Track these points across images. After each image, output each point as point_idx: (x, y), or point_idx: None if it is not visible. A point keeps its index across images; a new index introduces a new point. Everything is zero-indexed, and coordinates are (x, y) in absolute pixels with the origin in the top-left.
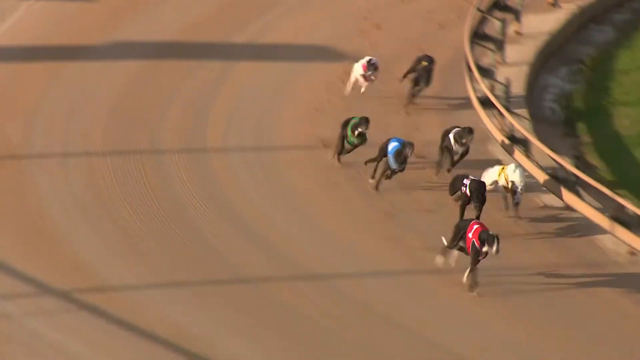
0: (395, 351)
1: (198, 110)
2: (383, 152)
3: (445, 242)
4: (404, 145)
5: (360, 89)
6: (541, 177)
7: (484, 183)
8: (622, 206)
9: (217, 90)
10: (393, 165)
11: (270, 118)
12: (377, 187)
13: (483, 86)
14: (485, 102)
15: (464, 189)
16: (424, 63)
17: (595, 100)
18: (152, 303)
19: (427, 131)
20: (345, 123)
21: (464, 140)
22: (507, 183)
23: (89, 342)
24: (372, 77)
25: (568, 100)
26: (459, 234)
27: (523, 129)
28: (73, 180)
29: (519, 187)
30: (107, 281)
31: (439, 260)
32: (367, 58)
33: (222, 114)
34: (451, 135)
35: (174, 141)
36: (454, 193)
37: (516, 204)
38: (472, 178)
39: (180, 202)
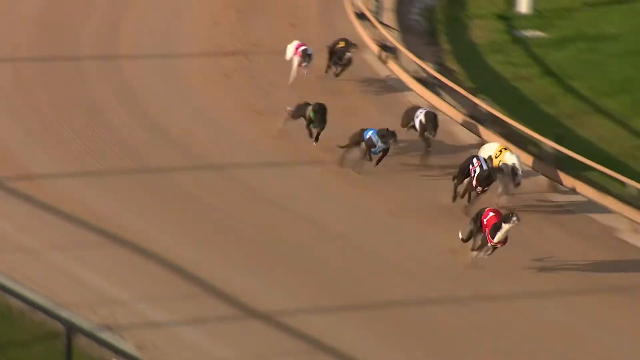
0: (287, 231)
1: (112, 23)
2: (358, 140)
3: (461, 236)
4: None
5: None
6: (408, 79)
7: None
8: (476, 104)
9: (129, 4)
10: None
11: (176, 30)
12: (341, 164)
13: (359, 2)
14: (361, 16)
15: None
16: (341, 44)
17: (454, 14)
18: (72, 190)
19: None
20: (303, 109)
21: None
22: (503, 162)
23: (15, 223)
24: (306, 66)
25: (431, 13)
26: (477, 223)
27: (393, 39)
28: (3, 84)
29: (519, 170)
30: (33, 170)
31: (473, 254)
32: (302, 47)
33: (134, 25)
34: None
35: (92, 49)
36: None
37: (518, 184)
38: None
39: (97, 103)
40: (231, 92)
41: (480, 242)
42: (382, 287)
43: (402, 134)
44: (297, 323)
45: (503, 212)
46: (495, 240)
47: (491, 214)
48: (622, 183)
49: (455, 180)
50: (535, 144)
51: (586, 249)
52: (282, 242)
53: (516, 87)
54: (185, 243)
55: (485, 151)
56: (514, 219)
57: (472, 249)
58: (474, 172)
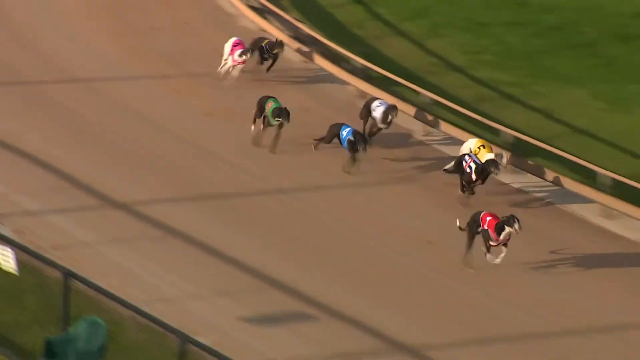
0: (146, 137)
1: None
2: (334, 135)
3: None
4: (355, 135)
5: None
6: (242, 7)
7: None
8: (298, 27)
9: None
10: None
11: None
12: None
13: None
14: None
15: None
16: (266, 41)
17: None
18: None
19: None
20: (262, 104)
21: None
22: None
23: None
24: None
25: None
26: (473, 228)
27: None
28: None
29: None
30: None
31: (488, 257)
32: (239, 51)
33: None
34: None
35: None
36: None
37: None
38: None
39: None
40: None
41: (485, 244)
42: (217, 181)
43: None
44: (151, 211)
45: (501, 216)
46: (501, 238)
47: (489, 217)
48: (417, 93)
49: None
50: (347, 60)
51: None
52: (125, 138)
53: (332, 13)
54: (53, 142)
55: (466, 147)
56: (516, 225)
57: (468, 251)
58: (470, 168)
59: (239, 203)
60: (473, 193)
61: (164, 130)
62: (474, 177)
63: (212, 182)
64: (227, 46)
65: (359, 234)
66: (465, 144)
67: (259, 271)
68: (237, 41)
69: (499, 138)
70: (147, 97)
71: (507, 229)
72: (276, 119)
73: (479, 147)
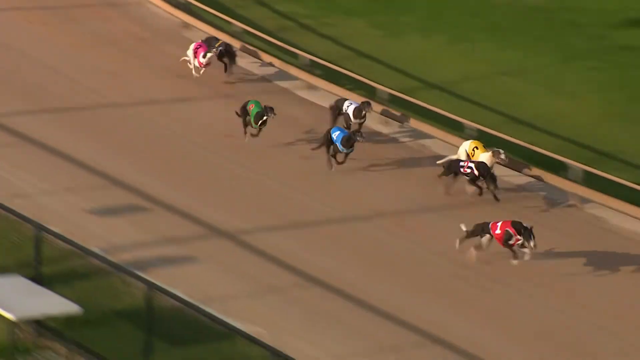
0: (21, 70)
1: None
2: (327, 140)
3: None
4: (349, 134)
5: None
6: None
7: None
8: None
9: None
10: (341, 149)
11: None
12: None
13: None
14: None
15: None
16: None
17: None
18: None
19: None
20: (245, 109)
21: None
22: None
23: None
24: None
25: None
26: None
27: None
28: None
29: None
30: None
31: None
32: (203, 53)
33: None
34: None
35: None
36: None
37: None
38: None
39: None
40: None
41: (482, 243)
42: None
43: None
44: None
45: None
46: (510, 243)
47: (499, 224)
48: (230, 23)
49: (443, 175)
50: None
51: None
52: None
53: None
54: None
55: (462, 150)
56: (532, 243)
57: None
58: (470, 169)
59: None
60: (480, 192)
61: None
62: (477, 174)
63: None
64: (190, 50)
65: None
66: (460, 148)
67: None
68: (199, 44)
69: (297, 60)
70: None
71: (519, 238)
72: (260, 123)
73: (473, 149)
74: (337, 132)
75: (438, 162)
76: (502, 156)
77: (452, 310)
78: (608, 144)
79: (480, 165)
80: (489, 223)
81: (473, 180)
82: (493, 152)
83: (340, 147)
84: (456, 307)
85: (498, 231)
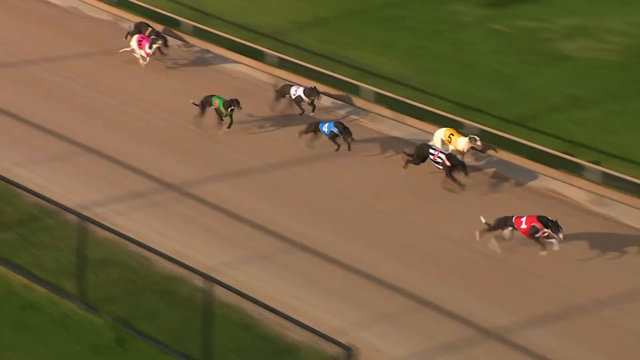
0: None
1: None
2: (315, 128)
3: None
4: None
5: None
6: None
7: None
8: None
9: None
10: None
11: None
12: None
13: None
14: None
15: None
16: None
17: None
18: None
19: None
20: (208, 101)
21: None
22: (454, 146)
23: None
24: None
25: None
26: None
27: None
28: None
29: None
30: None
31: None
32: (148, 44)
33: None
34: None
35: None
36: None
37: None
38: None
39: None
40: None
41: (505, 235)
42: None
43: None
44: None
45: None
46: (537, 236)
47: (524, 219)
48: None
49: (410, 160)
50: None
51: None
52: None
53: None
54: None
55: (437, 137)
56: (561, 235)
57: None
58: (440, 159)
59: None
60: (456, 180)
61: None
62: (448, 164)
63: None
64: (134, 42)
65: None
66: (435, 135)
67: None
68: (141, 37)
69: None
70: None
71: (545, 231)
72: (229, 109)
73: (449, 136)
74: (325, 125)
75: (405, 150)
76: (478, 142)
77: (445, 279)
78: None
79: (451, 156)
80: (512, 217)
81: (444, 168)
82: (470, 139)
83: (336, 132)
84: (444, 274)
85: (524, 226)
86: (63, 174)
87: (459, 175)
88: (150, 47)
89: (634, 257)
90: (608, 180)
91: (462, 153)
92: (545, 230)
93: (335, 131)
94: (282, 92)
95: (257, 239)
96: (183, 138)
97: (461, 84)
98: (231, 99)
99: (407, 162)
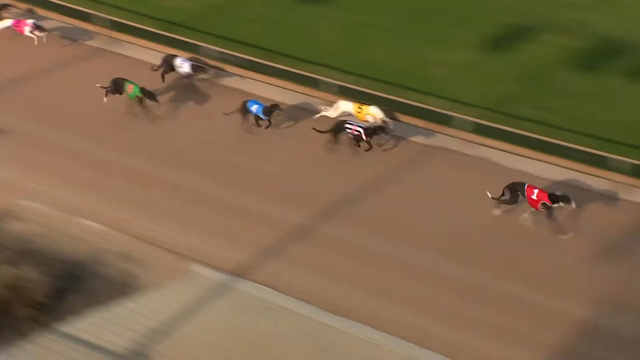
0: None
1: None
2: (245, 109)
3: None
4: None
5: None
6: None
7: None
8: None
9: None
10: (264, 118)
11: None
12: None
13: None
14: None
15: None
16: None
17: None
18: None
19: None
20: (120, 85)
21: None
22: (375, 119)
23: None
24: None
25: None
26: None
27: None
28: None
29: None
30: None
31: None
32: (28, 28)
33: None
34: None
35: None
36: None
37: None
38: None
39: None
40: None
41: (509, 203)
42: None
43: None
44: None
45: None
46: (547, 209)
47: (536, 190)
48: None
49: (331, 135)
50: None
51: None
52: None
53: None
54: None
55: (342, 108)
56: (573, 204)
57: (499, 202)
58: (358, 132)
59: None
60: (358, 146)
61: None
62: (364, 137)
63: None
64: (2, 24)
65: None
66: (341, 107)
67: None
68: (16, 22)
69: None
70: None
71: (557, 205)
72: (142, 96)
73: (359, 108)
74: (255, 105)
75: (315, 116)
76: (384, 113)
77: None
78: None
79: (368, 128)
80: (525, 184)
81: (358, 140)
82: (380, 109)
83: (262, 116)
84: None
85: (534, 197)
86: None
87: (381, 138)
88: (32, 32)
89: None
90: None
91: (378, 119)
92: (555, 205)
93: (261, 115)
94: (167, 62)
95: None
96: None
97: None
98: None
99: (327, 134)
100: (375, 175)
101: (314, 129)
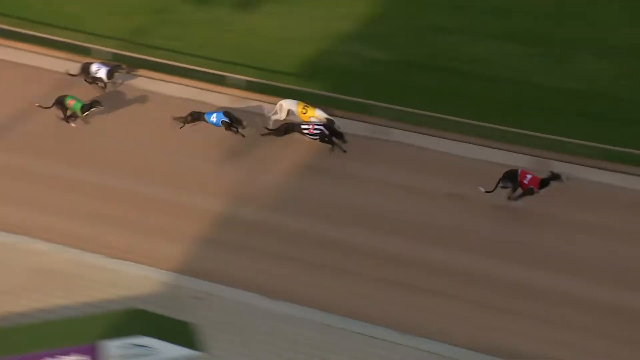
0: None
1: None
2: (199, 117)
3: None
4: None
5: None
6: None
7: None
8: None
9: None
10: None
11: None
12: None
13: None
14: None
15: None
16: None
17: None
18: None
19: None
20: (62, 103)
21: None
22: (319, 120)
23: None
24: None
25: None
26: (511, 179)
27: None
28: None
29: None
30: None
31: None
32: None
33: None
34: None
35: None
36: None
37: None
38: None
39: None
40: None
41: (518, 193)
42: None
43: None
44: None
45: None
46: (542, 192)
47: (529, 175)
48: None
49: (275, 133)
50: None
51: None
52: None
53: None
54: None
55: (287, 107)
56: (564, 177)
57: (509, 198)
58: (319, 130)
59: None
60: (333, 145)
61: None
62: (326, 136)
63: None
64: None
65: None
66: (285, 106)
67: None
68: None
69: None
70: None
71: (552, 183)
72: (89, 109)
73: (304, 108)
74: (214, 115)
75: (269, 122)
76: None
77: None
78: None
79: (327, 127)
80: (519, 170)
81: (322, 139)
82: (322, 109)
83: (215, 124)
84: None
85: (526, 181)
86: None
87: (339, 141)
88: None
89: None
90: None
91: (322, 119)
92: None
93: (227, 121)
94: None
95: None
96: None
97: None
98: (93, 100)
99: (270, 134)
100: None
101: (266, 128)
